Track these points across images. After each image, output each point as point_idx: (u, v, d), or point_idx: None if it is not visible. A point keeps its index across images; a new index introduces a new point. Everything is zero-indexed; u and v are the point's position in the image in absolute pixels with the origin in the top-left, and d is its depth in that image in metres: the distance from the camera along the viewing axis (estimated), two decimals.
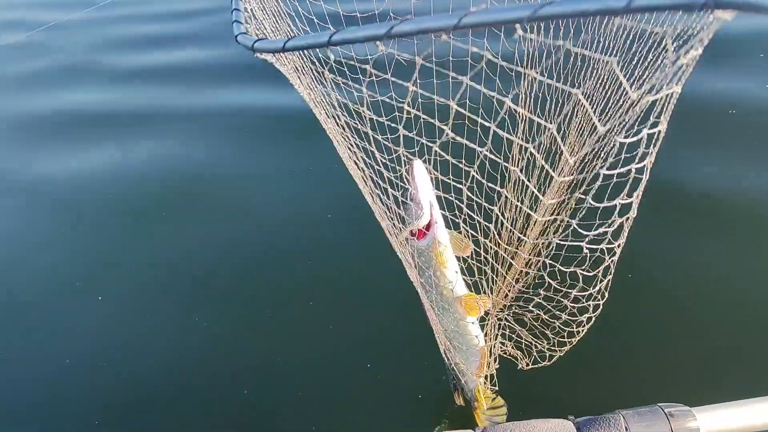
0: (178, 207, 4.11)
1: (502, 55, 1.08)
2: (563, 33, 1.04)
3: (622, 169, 1.19)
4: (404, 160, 1.61)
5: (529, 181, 1.71)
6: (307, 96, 1.65)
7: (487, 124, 1.13)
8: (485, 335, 2.15)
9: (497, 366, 2.27)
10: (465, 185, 1.46)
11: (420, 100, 1.23)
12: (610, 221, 1.33)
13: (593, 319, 1.77)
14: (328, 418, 2.70)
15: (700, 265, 3.13)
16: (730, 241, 3.26)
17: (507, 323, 2.19)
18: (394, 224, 1.98)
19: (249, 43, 1.32)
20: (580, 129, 1.84)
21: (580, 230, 1.28)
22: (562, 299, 1.75)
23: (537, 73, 0.99)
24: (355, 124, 1.60)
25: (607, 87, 1.63)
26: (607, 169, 1.15)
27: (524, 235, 1.88)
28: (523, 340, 2.15)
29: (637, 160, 1.11)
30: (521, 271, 1.83)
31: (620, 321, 2.03)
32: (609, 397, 2.50)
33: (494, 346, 2.25)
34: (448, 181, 1.54)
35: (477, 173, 1.35)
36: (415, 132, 1.31)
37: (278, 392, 2.83)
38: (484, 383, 2.31)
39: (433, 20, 0.96)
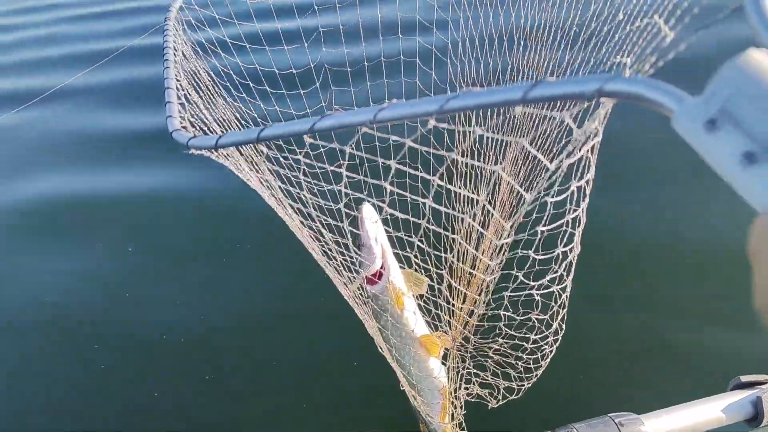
0: None
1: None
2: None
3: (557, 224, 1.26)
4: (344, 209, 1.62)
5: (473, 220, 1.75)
6: (246, 178, 1.67)
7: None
8: (447, 372, 2.15)
9: (464, 411, 2.26)
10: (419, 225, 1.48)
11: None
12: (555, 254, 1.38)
13: (554, 350, 1.82)
14: None
15: None
16: None
17: (469, 357, 2.20)
18: (347, 275, 1.99)
19: (183, 140, 1.34)
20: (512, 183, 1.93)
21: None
22: (523, 334, 1.79)
23: (457, 154, 1.03)
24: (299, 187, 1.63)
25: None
26: (546, 224, 1.21)
27: (474, 267, 1.92)
28: (489, 374, 2.16)
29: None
30: (476, 301, 1.86)
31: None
32: (561, 410, 2.54)
33: (459, 388, 2.25)
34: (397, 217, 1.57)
35: (427, 209, 1.37)
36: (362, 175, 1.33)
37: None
38: (453, 429, 2.30)
39: (351, 116, 1.00)
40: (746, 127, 0.57)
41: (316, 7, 2.57)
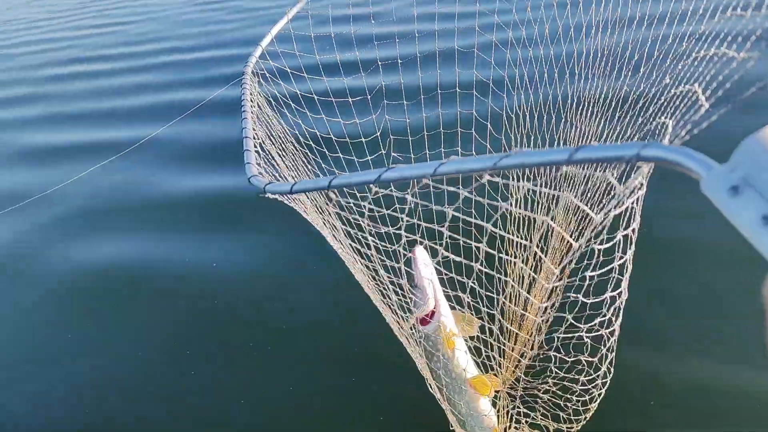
0: None
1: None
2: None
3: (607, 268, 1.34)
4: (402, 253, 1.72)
5: (524, 265, 1.82)
6: (312, 219, 1.81)
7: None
8: (497, 413, 2.19)
9: None
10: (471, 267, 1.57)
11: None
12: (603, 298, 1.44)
13: (603, 393, 1.84)
14: None
15: None
16: None
17: (519, 398, 2.22)
18: (399, 315, 2.08)
19: (261, 185, 1.50)
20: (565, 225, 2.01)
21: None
22: (572, 376, 1.83)
23: (511, 205, 1.13)
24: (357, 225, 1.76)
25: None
26: (595, 267, 1.29)
27: (526, 309, 1.98)
28: (539, 415, 2.18)
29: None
30: (527, 343, 1.91)
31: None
32: None
33: (509, 428, 2.27)
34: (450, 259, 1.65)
35: (480, 253, 1.45)
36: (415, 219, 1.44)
37: None
38: None
39: (414, 169, 1.12)
40: (765, 193, 0.66)
41: (379, 63, 2.75)
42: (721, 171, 0.71)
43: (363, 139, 2.69)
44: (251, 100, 2.09)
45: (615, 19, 2.09)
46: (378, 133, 2.73)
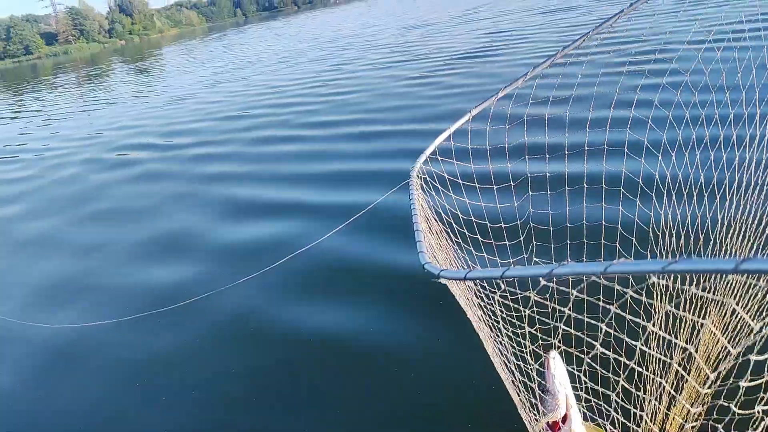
0: None
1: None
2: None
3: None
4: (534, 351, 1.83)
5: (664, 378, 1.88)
6: (468, 309, 2.01)
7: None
8: None
9: None
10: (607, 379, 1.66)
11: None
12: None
13: None
14: None
15: None
16: None
17: None
18: (532, 415, 2.15)
19: (435, 271, 1.73)
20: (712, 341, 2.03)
21: None
22: None
23: (671, 306, 1.27)
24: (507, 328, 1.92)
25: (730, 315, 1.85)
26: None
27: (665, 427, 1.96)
28: None
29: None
30: None
31: None
32: None
33: None
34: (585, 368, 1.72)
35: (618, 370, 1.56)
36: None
37: None
38: None
39: (585, 267, 1.31)
40: None
41: (526, 157, 3.01)
42: None
43: (507, 243, 2.91)
44: (419, 199, 2.40)
45: None
46: (521, 237, 2.93)
